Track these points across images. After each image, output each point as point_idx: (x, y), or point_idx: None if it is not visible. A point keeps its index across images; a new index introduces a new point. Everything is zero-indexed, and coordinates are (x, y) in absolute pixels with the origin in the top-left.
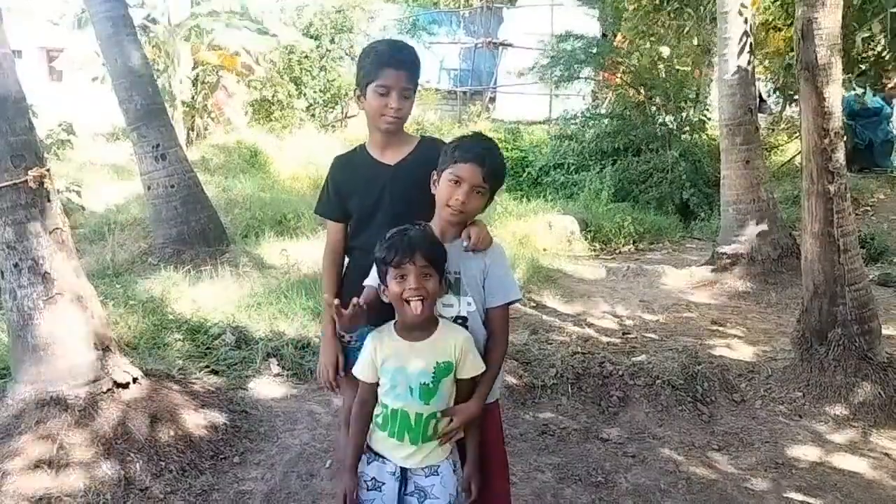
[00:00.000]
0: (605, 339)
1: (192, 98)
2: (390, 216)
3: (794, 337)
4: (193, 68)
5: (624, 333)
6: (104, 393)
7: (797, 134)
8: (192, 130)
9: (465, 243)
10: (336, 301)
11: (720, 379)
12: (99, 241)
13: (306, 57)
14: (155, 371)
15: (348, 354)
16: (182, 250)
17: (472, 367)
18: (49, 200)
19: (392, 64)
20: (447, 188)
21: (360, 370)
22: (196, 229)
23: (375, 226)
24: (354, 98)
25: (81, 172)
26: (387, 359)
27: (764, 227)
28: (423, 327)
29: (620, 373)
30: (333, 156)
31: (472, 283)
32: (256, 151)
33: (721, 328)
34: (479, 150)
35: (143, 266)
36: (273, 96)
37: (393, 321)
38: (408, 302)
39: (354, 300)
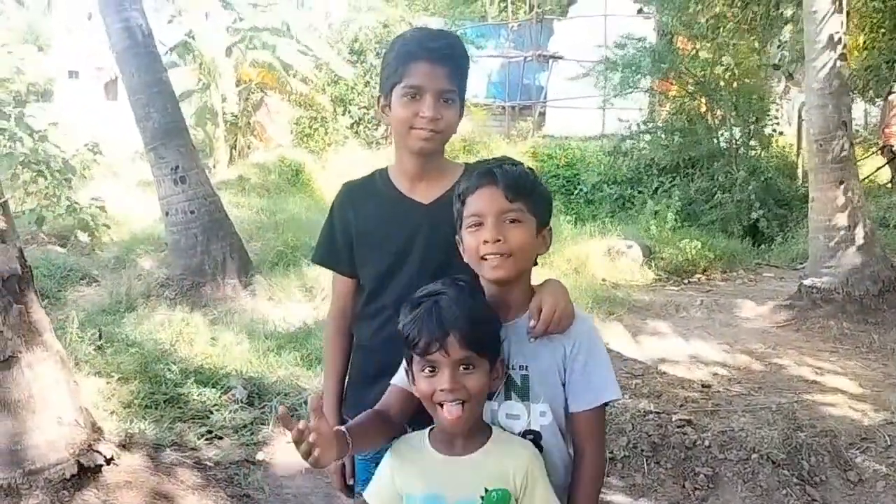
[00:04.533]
0: (681, 392)
1: (235, 116)
2: (420, 277)
3: None
4: (236, 85)
5: (704, 386)
6: (67, 480)
7: (873, 149)
8: (235, 149)
9: (531, 323)
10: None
11: (830, 451)
12: (119, 268)
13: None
14: (144, 440)
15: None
16: (201, 282)
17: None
18: (3, 241)
19: (424, 56)
20: (472, 238)
21: (375, 495)
22: (217, 259)
23: (396, 288)
24: (378, 109)
25: (118, 192)
26: (413, 482)
27: (861, 257)
28: (468, 436)
29: (707, 443)
30: None
31: (547, 382)
32: (298, 170)
33: (819, 378)
34: (484, 169)
35: (158, 300)
36: (318, 114)
37: (429, 427)
38: (441, 405)
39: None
